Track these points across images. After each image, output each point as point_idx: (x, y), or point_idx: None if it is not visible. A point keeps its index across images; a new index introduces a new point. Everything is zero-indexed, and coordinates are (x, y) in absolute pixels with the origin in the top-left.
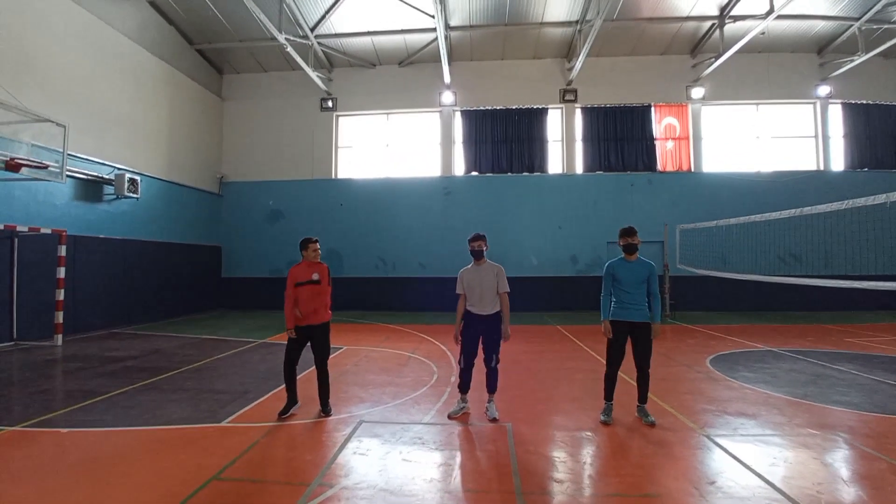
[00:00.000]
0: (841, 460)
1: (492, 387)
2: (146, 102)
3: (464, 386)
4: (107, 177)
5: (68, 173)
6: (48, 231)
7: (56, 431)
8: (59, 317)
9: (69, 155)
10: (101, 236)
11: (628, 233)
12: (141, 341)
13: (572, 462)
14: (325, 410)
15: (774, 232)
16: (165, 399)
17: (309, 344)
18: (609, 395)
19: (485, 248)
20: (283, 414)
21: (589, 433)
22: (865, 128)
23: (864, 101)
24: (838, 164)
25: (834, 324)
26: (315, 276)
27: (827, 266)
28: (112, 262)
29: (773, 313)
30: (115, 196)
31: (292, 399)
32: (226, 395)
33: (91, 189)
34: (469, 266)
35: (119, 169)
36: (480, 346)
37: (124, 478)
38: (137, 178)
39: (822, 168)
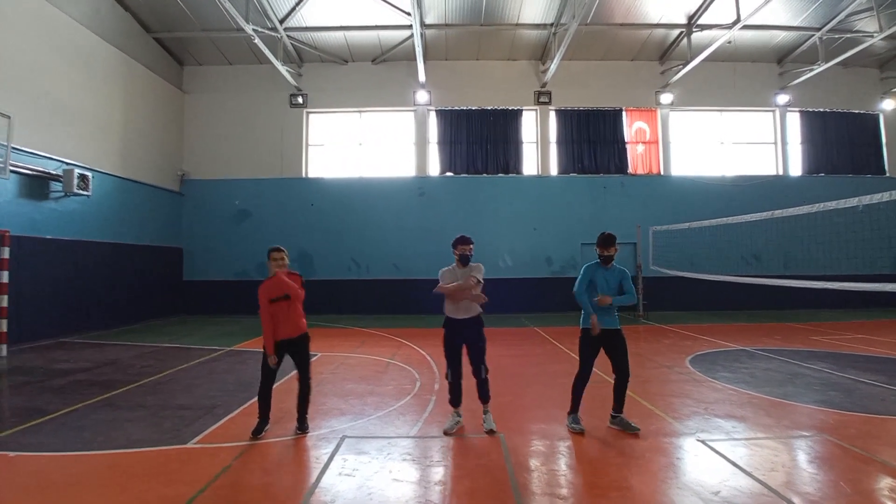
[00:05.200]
0: (836, 463)
1: (484, 396)
2: (99, 93)
3: (455, 400)
4: (54, 172)
5: (12, 168)
6: None
7: (2, 455)
8: (3, 325)
9: (13, 149)
10: (49, 237)
11: (604, 244)
12: (93, 351)
13: (572, 475)
14: (303, 427)
15: (737, 234)
16: (122, 418)
17: (290, 357)
18: (576, 406)
19: (471, 254)
20: (258, 434)
21: (584, 442)
22: (822, 135)
23: (821, 110)
24: (796, 169)
25: (797, 322)
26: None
27: (786, 266)
28: (61, 265)
29: (737, 312)
30: (63, 193)
31: (265, 420)
32: (191, 412)
33: (37, 185)
34: (450, 266)
35: (68, 164)
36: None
37: None
38: (88, 174)
39: (780, 173)
